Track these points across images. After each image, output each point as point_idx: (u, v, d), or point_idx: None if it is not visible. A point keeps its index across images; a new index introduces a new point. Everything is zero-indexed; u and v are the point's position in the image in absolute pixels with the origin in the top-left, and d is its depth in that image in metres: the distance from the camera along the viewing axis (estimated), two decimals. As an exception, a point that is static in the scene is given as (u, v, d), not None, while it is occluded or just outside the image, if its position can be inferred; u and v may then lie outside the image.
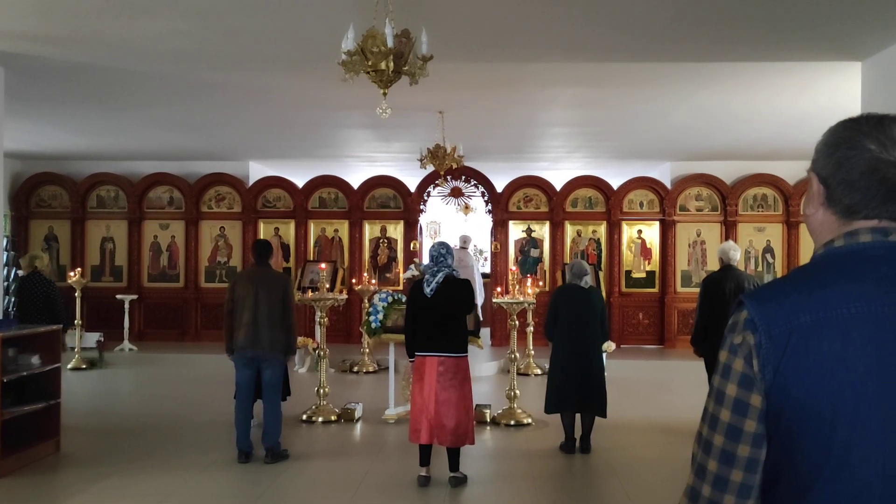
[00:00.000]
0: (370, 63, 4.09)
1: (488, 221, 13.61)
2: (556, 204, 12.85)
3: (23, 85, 7.30)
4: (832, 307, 1.27)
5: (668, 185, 12.79)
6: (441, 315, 5.59)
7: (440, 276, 5.61)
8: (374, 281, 11.49)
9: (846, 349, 1.25)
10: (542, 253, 12.99)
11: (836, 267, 1.35)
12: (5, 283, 6.57)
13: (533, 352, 10.34)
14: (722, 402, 1.33)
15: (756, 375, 1.29)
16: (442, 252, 5.74)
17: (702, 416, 1.38)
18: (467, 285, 5.73)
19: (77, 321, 10.91)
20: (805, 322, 1.27)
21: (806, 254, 12.43)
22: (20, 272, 8.31)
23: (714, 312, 6.69)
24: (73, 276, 11.03)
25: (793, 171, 12.44)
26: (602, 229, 12.93)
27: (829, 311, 1.27)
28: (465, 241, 13.22)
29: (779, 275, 12.38)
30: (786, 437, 1.28)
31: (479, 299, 12.65)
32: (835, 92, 7.51)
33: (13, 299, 9.07)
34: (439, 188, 12.35)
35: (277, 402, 6.41)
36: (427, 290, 5.61)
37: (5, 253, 6.62)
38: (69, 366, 10.42)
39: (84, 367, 10.81)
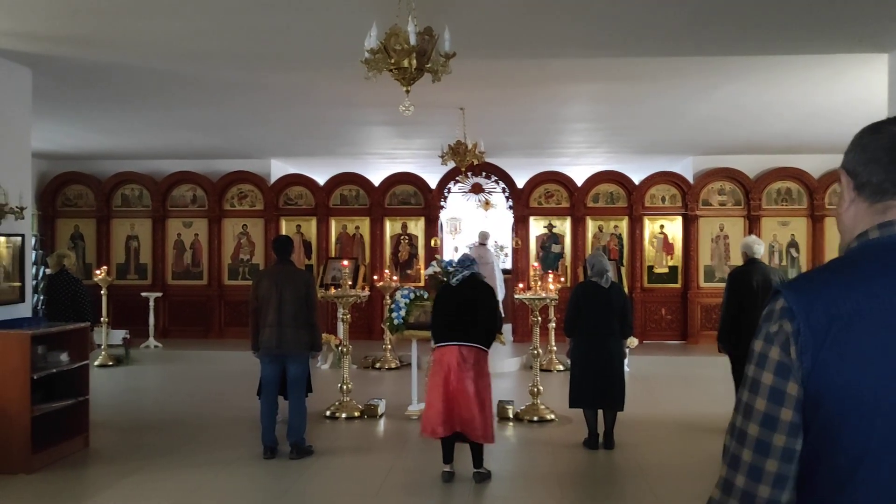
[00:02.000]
0: (393, 61, 4.11)
1: (509, 217, 13.60)
2: (577, 199, 12.81)
3: (49, 86, 7.39)
4: (872, 297, 1.27)
5: (691, 180, 12.69)
6: (463, 307, 5.63)
7: (467, 272, 5.73)
8: (395, 277, 11.52)
9: (888, 339, 1.24)
10: (563, 249, 12.95)
11: (872, 258, 1.34)
12: (34, 282, 6.67)
13: (555, 348, 10.32)
14: (757, 392, 1.31)
15: (793, 363, 1.28)
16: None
17: (735, 407, 1.37)
18: (489, 288, 5.84)
19: (103, 319, 11.05)
20: (845, 311, 1.26)
21: (831, 247, 12.29)
22: (48, 271, 8.42)
23: (742, 307, 6.63)
24: (99, 274, 11.16)
25: (817, 164, 12.30)
26: (624, 224, 12.87)
27: (870, 301, 1.26)
28: (484, 237, 13.22)
29: (803, 269, 12.25)
30: (824, 427, 1.27)
31: (500, 295, 12.65)
32: (860, 84, 7.40)
33: (41, 297, 9.20)
34: (460, 184, 12.36)
35: (302, 398, 6.46)
36: (453, 280, 5.71)
37: (34, 252, 6.71)
38: (96, 363, 10.54)
39: (110, 363, 10.94)
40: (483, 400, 5.62)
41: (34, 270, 6.74)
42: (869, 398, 1.24)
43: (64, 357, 6.35)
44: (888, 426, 1.23)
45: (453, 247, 17.98)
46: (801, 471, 1.31)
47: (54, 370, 6.21)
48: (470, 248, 13.77)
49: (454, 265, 5.94)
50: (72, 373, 6.46)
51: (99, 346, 10.84)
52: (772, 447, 1.29)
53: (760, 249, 7.07)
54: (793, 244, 12.54)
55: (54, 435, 6.26)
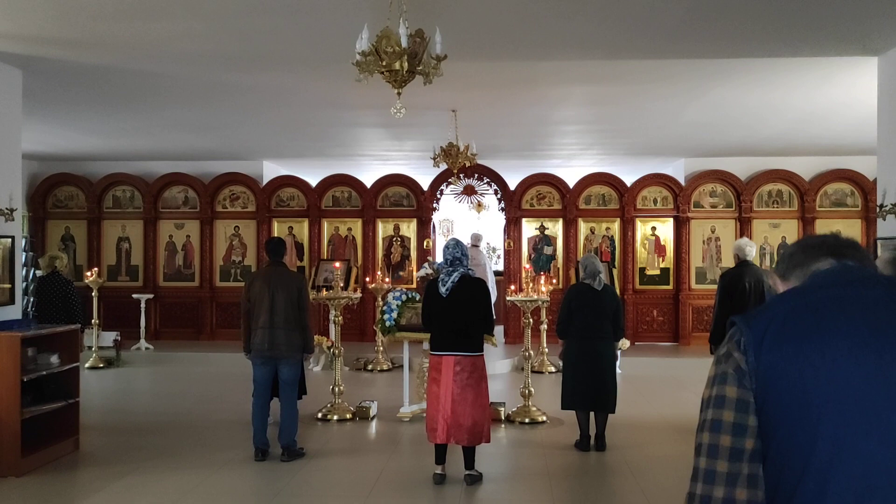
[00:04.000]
0: (384, 63, 4.11)
1: (501, 219, 13.61)
2: (569, 201, 12.83)
3: (40, 87, 7.37)
4: (807, 302, 1.44)
5: (682, 182, 12.73)
6: (457, 314, 5.59)
7: (455, 276, 5.62)
8: (387, 279, 11.52)
9: (819, 325, 1.38)
10: (555, 250, 12.97)
11: (810, 285, 1.54)
12: (24, 284, 6.65)
13: (547, 349, 10.34)
14: (709, 405, 1.46)
15: (739, 366, 1.41)
16: (457, 255, 5.72)
17: (697, 428, 1.51)
18: (483, 285, 5.75)
19: (94, 321, 11.01)
20: (780, 311, 1.43)
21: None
22: (39, 272, 8.38)
23: (734, 309, 6.65)
24: (90, 276, 11.13)
25: (808, 166, 12.36)
26: (616, 226, 12.89)
27: (805, 304, 1.43)
28: (476, 239, 13.22)
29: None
30: (776, 417, 1.37)
31: (492, 297, 12.65)
32: (851, 87, 7.46)
33: (32, 299, 9.17)
34: (452, 186, 12.33)
35: (294, 400, 6.44)
36: (442, 289, 5.61)
37: (24, 253, 6.68)
38: (86, 365, 10.51)
39: (101, 366, 10.91)
40: (483, 404, 5.65)
41: (24, 272, 6.70)
42: (810, 382, 1.35)
43: (54, 359, 6.33)
44: (830, 414, 1.33)
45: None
46: (769, 470, 1.39)
47: (44, 372, 6.19)
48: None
49: (443, 266, 5.85)
50: (62, 375, 6.44)
51: (89, 347, 10.80)
52: (720, 448, 1.40)
53: (752, 251, 7.10)
54: (783, 246, 12.58)
55: (44, 438, 6.24)
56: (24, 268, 6.56)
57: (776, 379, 1.34)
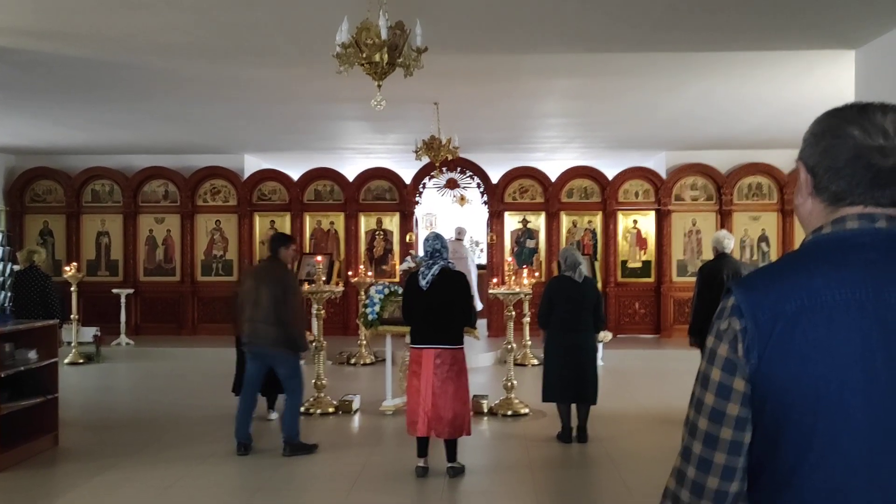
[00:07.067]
0: (364, 55, 4.09)
1: (484, 213, 13.63)
2: (551, 195, 12.86)
3: (17, 79, 7.27)
4: (817, 294, 1.28)
5: (664, 175, 12.80)
6: (437, 307, 5.59)
7: (436, 269, 5.61)
8: (370, 273, 11.49)
9: (830, 336, 1.25)
10: (538, 244, 13.00)
11: (822, 254, 1.35)
12: (1, 279, 6.56)
13: (529, 342, 10.37)
14: (707, 387, 1.35)
15: (740, 360, 1.30)
16: (437, 247, 5.71)
17: (689, 401, 1.40)
18: (462, 277, 5.75)
19: (73, 316, 10.90)
20: (790, 308, 1.28)
21: (801, 241, 12.45)
22: (16, 267, 8.28)
23: (712, 301, 6.71)
24: (69, 271, 11.02)
25: (787, 159, 12.44)
26: (598, 219, 12.94)
27: (814, 298, 1.28)
28: (460, 232, 13.24)
29: (774, 263, 12.41)
30: (771, 423, 1.30)
31: (472, 290, 12.66)
32: (829, 80, 7.51)
33: (9, 294, 9.05)
34: (435, 180, 12.32)
35: (292, 395, 6.33)
36: (422, 282, 5.60)
37: (1, 248, 6.60)
38: (66, 360, 10.40)
39: (81, 361, 10.80)
40: (464, 397, 5.66)
41: (1, 267, 6.62)
42: (811, 395, 1.25)
43: (32, 355, 6.26)
44: (831, 423, 1.25)
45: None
46: (751, 466, 1.33)
47: (22, 368, 6.12)
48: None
49: (423, 259, 5.83)
50: (40, 371, 6.37)
51: (69, 343, 10.69)
52: (719, 440, 1.32)
53: (730, 244, 7.16)
54: (763, 238, 12.70)
55: (22, 434, 6.17)
56: (2, 262, 6.48)
57: (778, 383, 1.27)
